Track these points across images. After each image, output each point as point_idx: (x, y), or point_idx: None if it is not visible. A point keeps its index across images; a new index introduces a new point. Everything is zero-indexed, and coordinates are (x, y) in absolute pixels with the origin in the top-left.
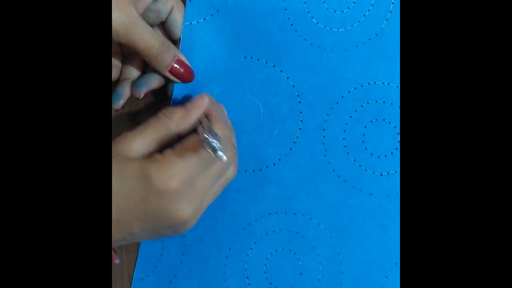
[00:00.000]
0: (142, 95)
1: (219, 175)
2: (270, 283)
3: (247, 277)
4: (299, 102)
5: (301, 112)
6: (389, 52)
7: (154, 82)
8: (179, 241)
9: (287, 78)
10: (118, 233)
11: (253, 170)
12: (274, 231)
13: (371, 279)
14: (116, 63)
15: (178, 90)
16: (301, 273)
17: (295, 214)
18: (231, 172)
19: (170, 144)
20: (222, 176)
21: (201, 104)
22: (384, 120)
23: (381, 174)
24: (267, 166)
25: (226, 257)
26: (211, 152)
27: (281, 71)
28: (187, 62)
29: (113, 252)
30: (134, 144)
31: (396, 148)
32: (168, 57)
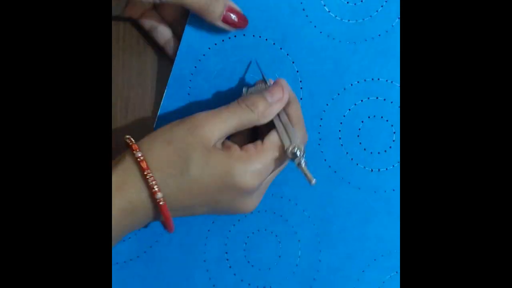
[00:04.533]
0: None
1: (280, 171)
2: (248, 262)
3: (226, 252)
4: (301, 88)
5: (301, 99)
6: (397, 50)
7: None
8: None
9: (292, 62)
10: (182, 213)
11: None
12: (258, 211)
13: (348, 271)
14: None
15: (178, 64)
16: (279, 256)
17: (281, 197)
18: None
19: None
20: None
21: (283, 99)
22: (382, 117)
23: (372, 170)
24: None
25: (208, 230)
26: (299, 168)
27: (287, 54)
28: (238, 9)
29: (171, 229)
30: (216, 131)
31: (390, 147)
32: (219, 7)
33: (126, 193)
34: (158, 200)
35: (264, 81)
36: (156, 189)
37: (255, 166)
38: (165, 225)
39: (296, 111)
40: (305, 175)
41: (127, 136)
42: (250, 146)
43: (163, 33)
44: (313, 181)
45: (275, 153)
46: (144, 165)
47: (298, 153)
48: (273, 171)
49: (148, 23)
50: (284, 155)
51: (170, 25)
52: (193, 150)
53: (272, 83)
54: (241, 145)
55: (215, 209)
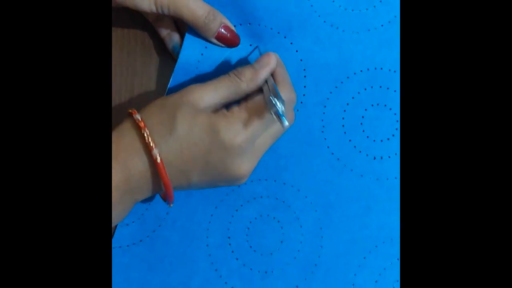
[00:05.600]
0: None
1: (276, 136)
2: (250, 246)
3: (229, 237)
4: (305, 76)
5: (305, 86)
6: (400, 40)
7: None
8: None
9: (296, 51)
10: (177, 181)
11: None
12: (261, 197)
13: (349, 258)
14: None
15: (185, 52)
16: (281, 241)
17: (284, 183)
18: (283, 131)
19: (237, 101)
20: (278, 136)
21: (269, 63)
22: (385, 105)
23: (374, 158)
24: None
25: (212, 215)
26: (274, 115)
27: (291, 43)
28: (232, 28)
29: (170, 197)
30: (205, 97)
31: (393, 135)
32: (215, 25)
33: (121, 156)
34: (154, 158)
35: None
36: (152, 145)
37: (239, 123)
38: (165, 194)
39: (280, 71)
40: (279, 120)
41: (130, 109)
42: (235, 106)
43: (166, 26)
44: (286, 123)
45: (259, 111)
46: (142, 124)
47: (274, 101)
48: (260, 130)
49: (152, 14)
50: (267, 113)
51: (175, 21)
52: (180, 109)
53: None
54: None
55: (208, 175)
